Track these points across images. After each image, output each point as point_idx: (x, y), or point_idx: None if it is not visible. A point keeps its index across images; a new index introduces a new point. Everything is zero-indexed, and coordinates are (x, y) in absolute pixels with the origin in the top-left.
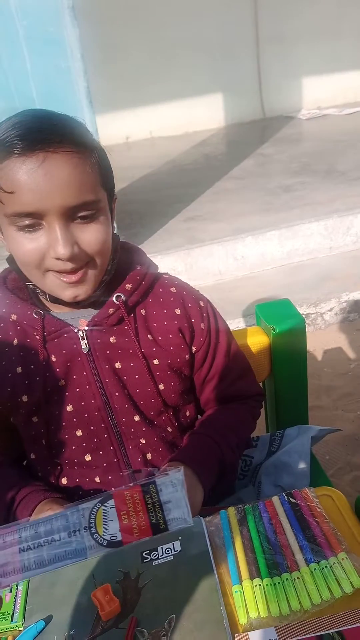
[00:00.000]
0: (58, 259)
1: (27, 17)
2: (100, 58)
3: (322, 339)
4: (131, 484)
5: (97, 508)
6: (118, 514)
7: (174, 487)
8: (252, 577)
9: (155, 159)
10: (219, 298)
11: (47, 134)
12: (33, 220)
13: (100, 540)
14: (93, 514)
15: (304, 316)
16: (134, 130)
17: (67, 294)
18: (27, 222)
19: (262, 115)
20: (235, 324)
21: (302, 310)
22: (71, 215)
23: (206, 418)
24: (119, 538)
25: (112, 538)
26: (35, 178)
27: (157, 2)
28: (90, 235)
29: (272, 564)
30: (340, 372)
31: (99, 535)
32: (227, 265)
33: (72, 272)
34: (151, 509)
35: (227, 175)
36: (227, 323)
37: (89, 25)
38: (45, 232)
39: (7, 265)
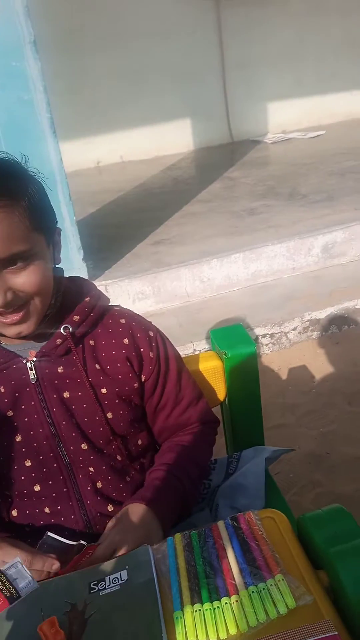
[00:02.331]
0: None
1: None
2: (68, 85)
3: (286, 358)
4: None
5: None
6: None
7: (15, 568)
8: (193, 603)
9: (125, 183)
10: (187, 320)
11: None
12: None
13: None
14: None
15: (268, 335)
16: (104, 155)
17: (10, 332)
18: None
19: (230, 139)
20: (202, 345)
21: (266, 330)
22: (3, 265)
23: (165, 452)
24: None
25: None
26: None
27: (123, 30)
28: (25, 280)
29: (213, 588)
30: (303, 390)
31: None
32: (193, 287)
33: (12, 312)
34: (3, 588)
35: (195, 199)
36: (194, 344)
37: (56, 55)
38: None
39: None
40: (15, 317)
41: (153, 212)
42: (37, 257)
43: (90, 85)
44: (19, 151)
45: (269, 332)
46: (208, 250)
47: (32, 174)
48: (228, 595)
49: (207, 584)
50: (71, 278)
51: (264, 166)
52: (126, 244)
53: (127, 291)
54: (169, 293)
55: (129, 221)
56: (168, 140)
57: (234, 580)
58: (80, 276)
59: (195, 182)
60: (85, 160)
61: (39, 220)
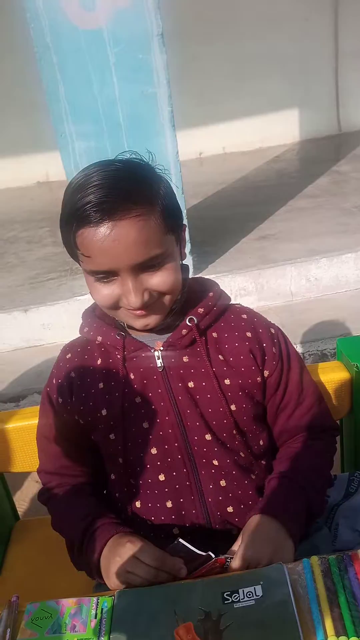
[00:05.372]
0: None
1: (119, 44)
2: (177, 76)
3: None
4: None
5: None
6: None
7: None
8: (337, 635)
9: (227, 175)
10: (290, 320)
11: (113, 204)
12: (108, 275)
13: None
14: None
15: None
16: (207, 146)
17: (138, 324)
18: (103, 276)
19: (338, 130)
20: (305, 347)
21: None
22: (140, 268)
23: (286, 459)
24: None
25: None
26: (106, 244)
27: (235, 18)
28: (159, 280)
29: (359, 621)
30: None
31: None
32: (298, 286)
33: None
34: None
35: (301, 193)
36: (297, 346)
37: (168, 45)
38: (119, 283)
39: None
40: (144, 311)
41: (257, 206)
42: (170, 258)
43: (195, 75)
44: (139, 144)
45: None
46: (316, 248)
47: (160, 172)
48: None
49: (352, 616)
50: (195, 278)
51: None
52: (230, 238)
53: (230, 287)
54: (272, 291)
55: (232, 215)
56: (272, 131)
57: None
58: (203, 277)
59: (301, 175)
60: (187, 151)
61: (172, 221)
